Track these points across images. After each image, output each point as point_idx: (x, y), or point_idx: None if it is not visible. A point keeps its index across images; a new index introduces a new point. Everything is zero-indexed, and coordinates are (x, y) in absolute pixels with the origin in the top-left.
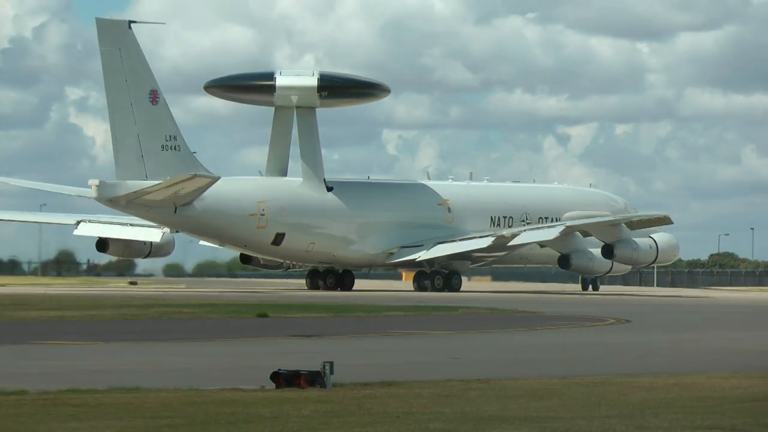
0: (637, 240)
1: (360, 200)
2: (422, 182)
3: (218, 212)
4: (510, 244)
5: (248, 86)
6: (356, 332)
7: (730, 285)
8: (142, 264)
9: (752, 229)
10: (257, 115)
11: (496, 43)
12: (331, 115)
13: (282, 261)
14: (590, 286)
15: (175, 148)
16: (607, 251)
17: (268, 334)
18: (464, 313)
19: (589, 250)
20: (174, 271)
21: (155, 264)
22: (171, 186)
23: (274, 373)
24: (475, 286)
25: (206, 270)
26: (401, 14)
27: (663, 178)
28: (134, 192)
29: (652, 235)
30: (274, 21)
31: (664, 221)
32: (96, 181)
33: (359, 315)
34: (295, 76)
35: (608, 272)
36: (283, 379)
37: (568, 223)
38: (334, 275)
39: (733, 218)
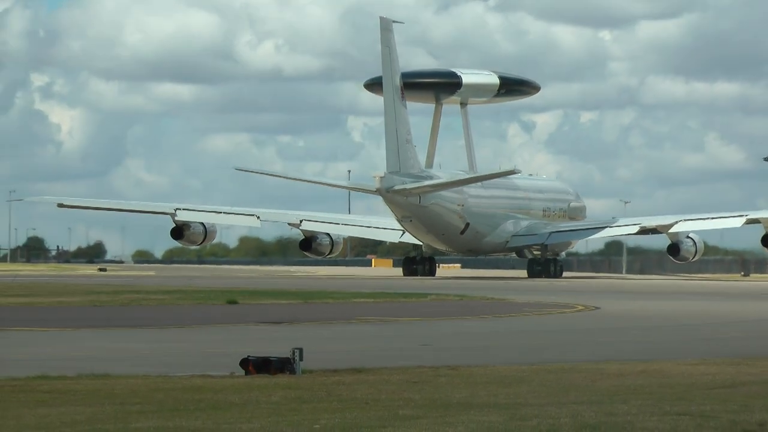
0: None
1: (490, 195)
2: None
3: (439, 203)
4: (673, 230)
5: (432, 84)
6: (326, 319)
7: (699, 272)
8: (112, 250)
9: None
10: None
11: (459, 29)
12: (294, 102)
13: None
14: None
15: (409, 142)
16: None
17: (237, 321)
18: (433, 300)
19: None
20: (143, 258)
21: (124, 250)
22: (486, 177)
23: (243, 359)
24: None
25: (176, 256)
26: (362, 1)
27: (626, 165)
28: (425, 185)
29: None
30: (236, 8)
31: None
32: (381, 173)
33: (328, 302)
34: (476, 74)
35: (693, 258)
36: (253, 365)
37: (751, 215)
38: (427, 262)
39: (697, 206)
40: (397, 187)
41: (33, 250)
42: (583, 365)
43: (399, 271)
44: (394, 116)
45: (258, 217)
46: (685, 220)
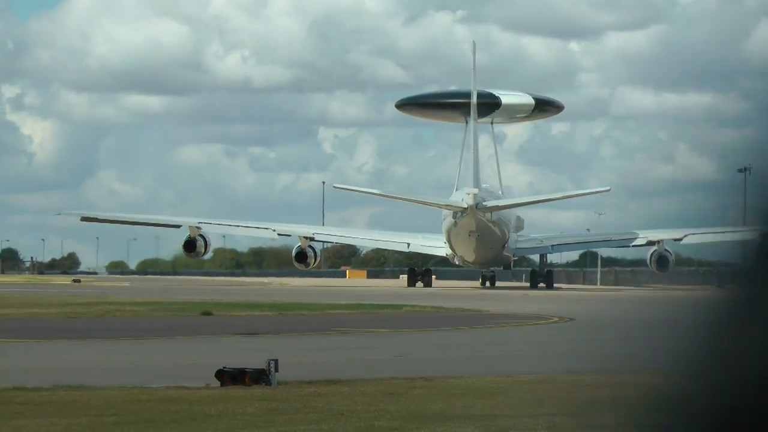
0: None
1: (507, 211)
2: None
3: (502, 219)
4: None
5: (469, 104)
6: (301, 330)
7: (673, 284)
8: (86, 261)
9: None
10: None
11: (426, 41)
12: (265, 113)
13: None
14: (488, 282)
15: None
16: None
17: (212, 332)
18: (408, 311)
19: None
20: (117, 269)
21: (98, 262)
22: (576, 195)
23: (218, 370)
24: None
25: (149, 267)
26: (330, 11)
27: (598, 176)
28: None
29: None
30: (205, 19)
31: None
32: (475, 190)
33: (303, 313)
34: (514, 96)
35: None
36: (228, 377)
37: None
38: (427, 274)
39: (668, 217)
40: (488, 203)
41: (6, 261)
42: (559, 377)
43: (381, 281)
44: (476, 135)
45: (274, 231)
46: (693, 233)
